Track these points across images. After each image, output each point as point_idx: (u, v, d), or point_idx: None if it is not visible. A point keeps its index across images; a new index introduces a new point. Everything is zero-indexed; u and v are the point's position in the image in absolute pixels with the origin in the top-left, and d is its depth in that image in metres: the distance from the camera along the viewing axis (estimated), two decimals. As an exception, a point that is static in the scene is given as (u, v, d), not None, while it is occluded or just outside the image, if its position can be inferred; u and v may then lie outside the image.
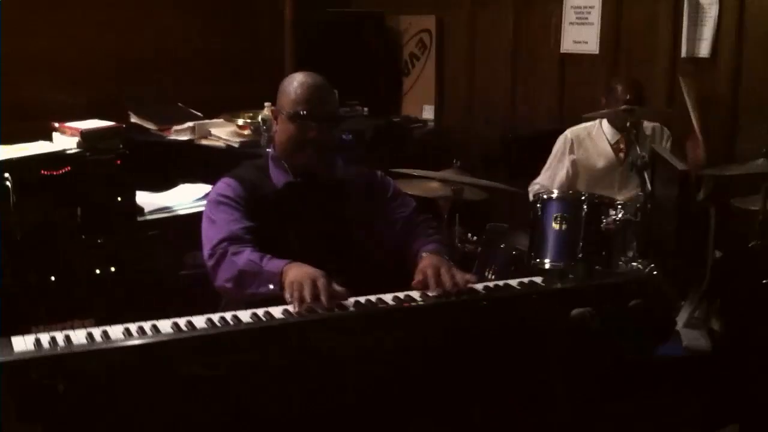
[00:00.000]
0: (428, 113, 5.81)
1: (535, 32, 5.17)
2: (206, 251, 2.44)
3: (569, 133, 4.19)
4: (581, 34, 4.94)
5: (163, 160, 4.40)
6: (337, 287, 2.11)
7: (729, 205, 3.69)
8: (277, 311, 2.04)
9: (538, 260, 3.47)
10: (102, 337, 1.86)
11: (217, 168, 4.29)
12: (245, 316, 2.02)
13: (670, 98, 4.54)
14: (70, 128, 3.30)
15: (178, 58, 5.30)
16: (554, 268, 3.39)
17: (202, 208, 3.48)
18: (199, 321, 1.98)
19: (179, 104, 5.19)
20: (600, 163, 4.09)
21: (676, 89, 4.52)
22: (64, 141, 3.27)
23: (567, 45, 5.02)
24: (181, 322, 1.98)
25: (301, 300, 2.05)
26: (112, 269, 3.28)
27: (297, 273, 2.16)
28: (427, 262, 2.33)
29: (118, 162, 3.29)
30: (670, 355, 2.49)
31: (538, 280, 2.34)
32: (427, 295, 2.16)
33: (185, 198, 3.61)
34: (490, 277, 3.77)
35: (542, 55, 5.15)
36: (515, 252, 3.80)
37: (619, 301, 2.12)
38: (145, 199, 3.57)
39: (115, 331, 1.91)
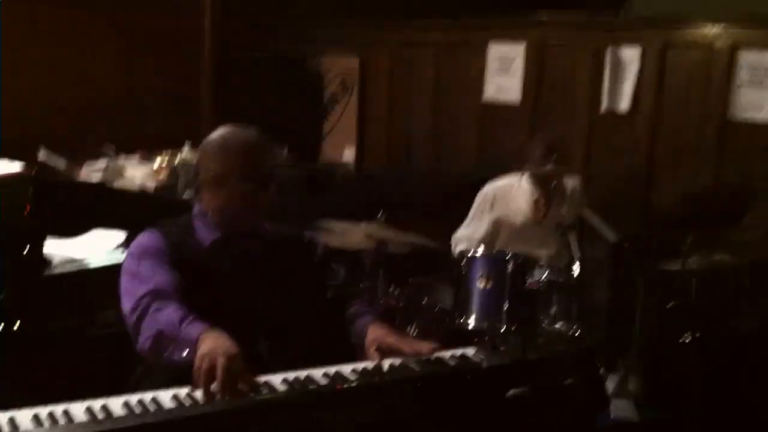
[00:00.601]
0: (349, 156, 5.76)
1: (458, 79, 5.19)
2: (128, 306, 2.28)
3: (489, 189, 4.13)
4: (504, 83, 4.98)
5: (73, 203, 4.20)
6: (249, 375, 1.99)
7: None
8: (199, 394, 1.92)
9: (462, 319, 3.44)
10: (9, 428, 1.70)
11: (131, 212, 4.19)
12: (167, 398, 1.90)
13: (589, 153, 4.60)
14: (-25, 174, 3.11)
15: (94, 96, 5.14)
16: (479, 329, 3.38)
17: (117, 261, 3.39)
18: (116, 405, 1.84)
19: (90, 138, 5.01)
20: (520, 219, 4.07)
21: (595, 144, 4.60)
22: (-32, 188, 3.07)
23: (489, 94, 5.05)
24: (96, 406, 1.84)
25: (207, 388, 1.93)
26: (15, 328, 3.06)
27: (208, 347, 2.02)
28: (381, 332, 2.29)
29: (27, 211, 3.10)
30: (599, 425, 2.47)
31: (470, 352, 2.29)
32: (360, 374, 2.07)
33: (98, 248, 3.42)
34: (412, 333, 3.71)
35: (464, 102, 5.16)
36: (438, 308, 3.76)
37: (554, 379, 2.07)
38: (54, 247, 3.37)
39: (24, 419, 1.75)
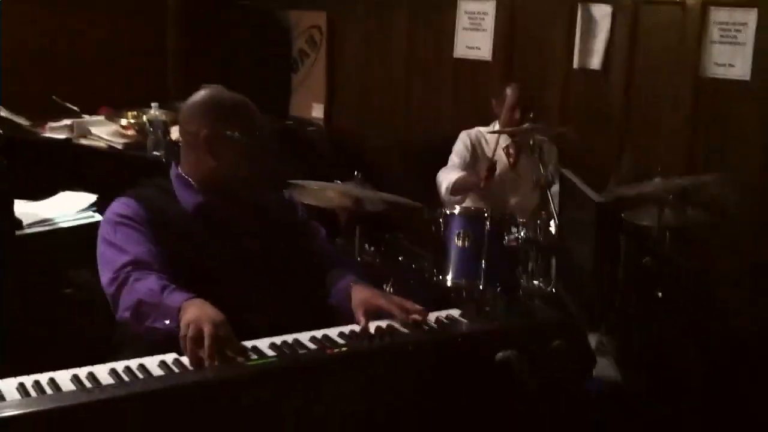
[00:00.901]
0: (317, 112, 5.69)
1: (430, 36, 5.13)
2: (106, 277, 2.25)
3: (466, 134, 4.16)
4: (474, 40, 4.93)
5: (39, 162, 4.12)
6: (236, 341, 1.97)
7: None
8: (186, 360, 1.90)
9: (441, 276, 3.45)
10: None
11: (99, 172, 4.11)
12: (154, 365, 1.87)
13: (562, 109, 4.60)
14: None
15: (54, 49, 4.99)
16: (458, 286, 3.39)
17: (86, 221, 3.33)
18: (103, 373, 1.81)
19: (53, 97, 4.87)
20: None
21: (569, 100, 4.59)
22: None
23: (460, 50, 5.00)
24: (82, 374, 1.81)
25: (194, 354, 1.91)
26: (-12, 290, 3.01)
27: (197, 314, 1.99)
28: (368, 293, 2.29)
29: (-6, 171, 3.02)
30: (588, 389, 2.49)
31: (456, 313, 2.29)
32: (348, 338, 2.06)
33: (67, 209, 3.35)
34: (388, 290, 3.70)
35: (436, 59, 5.11)
36: (414, 265, 3.76)
37: (541, 342, 2.08)
38: (22, 208, 3.30)
39: (8, 388, 1.71)
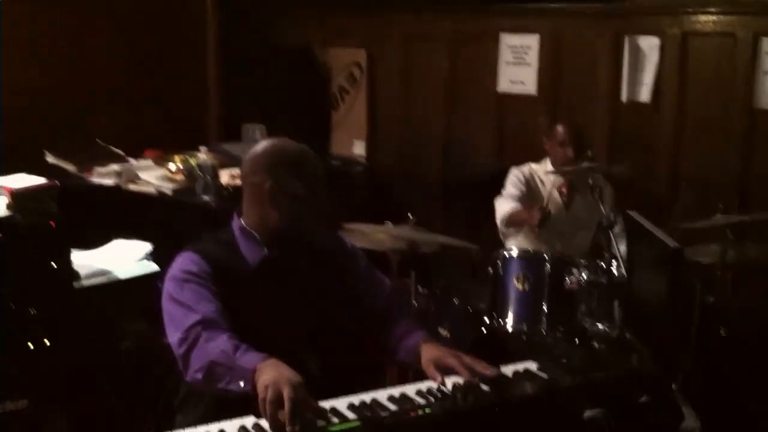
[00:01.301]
0: (359, 149, 5.66)
1: (472, 70, 5.09)
2: (175, 337, 2.21)
3: (519, 170, 4.10)
4: (518, 74, 4.89)
5: (89, 209, 4.11)
6: (316, 403, 1.94)
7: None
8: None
9: (500, 321, 3.38)
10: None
11: (150, 218, 4.10)
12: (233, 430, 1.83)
13: (611, 144, 4.54)
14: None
15: (96, 91, 5.02)
16: (518, 331, 3.32)
17: (143, 271, 3.31)
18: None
19: (98, 140, 4.90)
20: (549, 208, 4.01)
21: (617, 134, 4.53)
22: (-7, 201, 2.98)
23: (504, 85, 4.97)
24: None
25: (274, 418, 1.87)
26: (47, 343, 2.99)
27: (274, 376, 1.96)
28: (438, 353, 2.25)
29: (53, 224, 3.01)
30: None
31: (533, 366, 2.23)
32: (427, 397, 2.01)
33: (123, 258, 3.34)
34: (444, 334, 3.65)
35: (479, 93, 5.08)
36: (470, 309, 3.70)
37: (628, 397, 2.01)
38: (79, 259, 3.29)
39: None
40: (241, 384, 2.05)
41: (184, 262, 2.35)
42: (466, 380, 2.08)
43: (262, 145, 2.45)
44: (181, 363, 2.21)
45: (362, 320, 2.50)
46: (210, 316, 2.21)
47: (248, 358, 2.08)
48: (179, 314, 2.25)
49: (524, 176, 4.04)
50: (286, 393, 1.89)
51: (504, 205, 3.93)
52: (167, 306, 2.31)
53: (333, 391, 2.06)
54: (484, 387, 2.06)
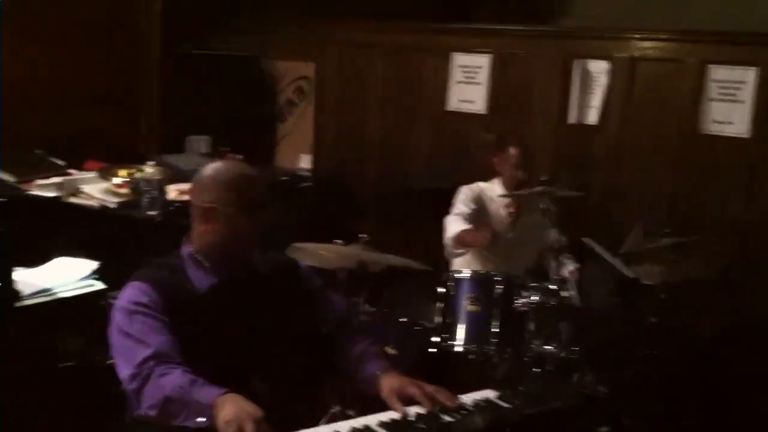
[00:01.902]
0: (305, 162, 5.63)
1: (421, 86, 5.10)
2: (126, 372, 2.14)
3: (468, 188, 4.07)
4: (468, 93, 4.92)
5: (29, 223, 3.98)
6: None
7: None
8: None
9: (449, 340, 3.38)
10: None
11: (94, 233, 3.99)
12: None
13: (556, 164, 4.58)
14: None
15: (35, 96, 4.86)
16: (467, 351, 3.32)
17: (86, 290, 3.21)
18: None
19: (38, 151, 4.76)
20: (496, 227, 4.03)
21: (562, 154, 4.59)
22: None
23: (453, 103, 4.99)
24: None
25: None
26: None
27: (236, 411, 1.94)
28: (398, 383, 2.24)
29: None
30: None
31: (492, 395, 2.23)
32: (390, 429, 2.00)
33: (66, 277, 3.23)
34: (392, 353, 3.63)
35: (428, 110, 5.09)
36: (417, 326, 3.69)
37: (587, 426, 2.03)
38: (18, 276, 3.17)
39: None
40: (199, 420, 2.01)
41: (132, 292, 2.29)
42: (428, 410, 2.08)
43: (211, 168, 2.41)
44: (134, 397, 2.15)
45: (317, 344, 2.48)
46: (162, 350, 2.15)
47: (205, 392, 2.04)
48: (129, 348, 2.18)
49: (474, 194, 4.04)
50: (249, 429, 1.87)
51: (454, 225, 3.92)
52: (116, 339, 2.24)
53: (288, 420, 2.03)
54: (447, 417, 2.05)
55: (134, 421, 2.31)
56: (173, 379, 2.07)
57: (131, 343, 2.18)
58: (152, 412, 2.08)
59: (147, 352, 2.13)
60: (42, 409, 2.99)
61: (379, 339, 3.60)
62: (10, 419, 2.89)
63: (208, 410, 1.98)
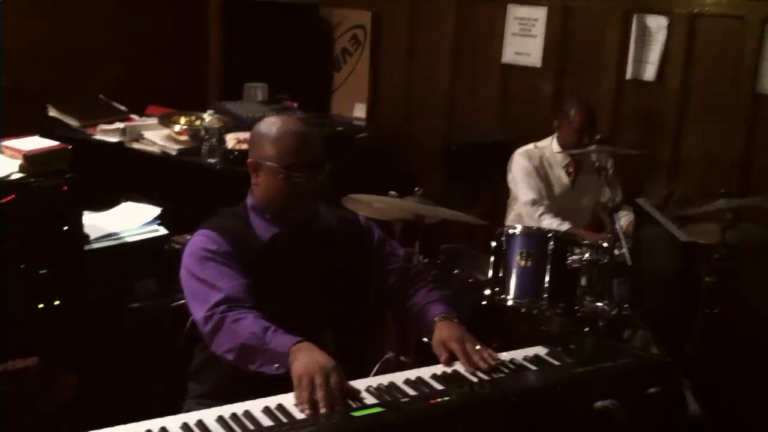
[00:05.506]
0: (359, 111, 5.67)
1: (477, 38, 5.09)
2: (200, 314, 2.23)
3: (525, 157, 4.05)
4: (524, 46, 4.89)
5: (95, 167, 4.09)
6: (349, 384, 2.00)
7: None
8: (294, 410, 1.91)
9: (502, 296, 3.44)
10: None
11: (156, 180, 4.10)
12: (257, 410, 1.88)
13: (614, 120, 4.56)
14: (10, 149, 3.01)
15: (98, 45, 4.97)
16: (518, 306, 3.38)
17: (150, 235, 3.34)
18: (210, 420, 1.82)
19: (100, 96, 4.87)
20: (557, 189, 4.06)
21: (620, 110, 4.56)
22: (4, 163, 2.97)
23: (508, 56, 4.97)
24: (191, 420, 1.82)
25: (314, 405, 1.92)
26: (57, 303, 3.02)
27: (307, 363, 2.01)
28: (446, 334, 2.29)
29: (65, 188, 3.02)
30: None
31: (542, 352, 2.30)
32: (445, 382, 2.07)
33: (131, 222, 3.35)
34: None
35: (483, 62, 5.08)
36: (471, 280, 3.75)
37: (638, 387, 2.08)
38: (86, 220, 3.30)
39: None
40: (275, 367, 2.09)
41: (203, 240, 2.36)
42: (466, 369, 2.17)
43: (267, 123, 2.44)
44: (208, 339, 2.23)
45: (378, 294, 2.55)
46: (234, 294, 2.23)
47: (280, 340, 2.11)
48: (202, 292, 2.26)
49: (533, 167, 4.02)
50: (320, 381, 1.94)
51: (550, 220, 3.88)
52: (189, 283, 2.33)
53: (348, 366, 2.11)
54: (500, 374, 2.11)
55: (202, 364, 2.43)
56: (248, 325, 2.15)
57: (204, 288, 2.26)
58: (229, 357, 2.17)
59: (219, 295, 2.21)
60: (112, 347, 3.13)
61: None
62: (82, 357, 3.05)
63: (284, 358, 2.05)
